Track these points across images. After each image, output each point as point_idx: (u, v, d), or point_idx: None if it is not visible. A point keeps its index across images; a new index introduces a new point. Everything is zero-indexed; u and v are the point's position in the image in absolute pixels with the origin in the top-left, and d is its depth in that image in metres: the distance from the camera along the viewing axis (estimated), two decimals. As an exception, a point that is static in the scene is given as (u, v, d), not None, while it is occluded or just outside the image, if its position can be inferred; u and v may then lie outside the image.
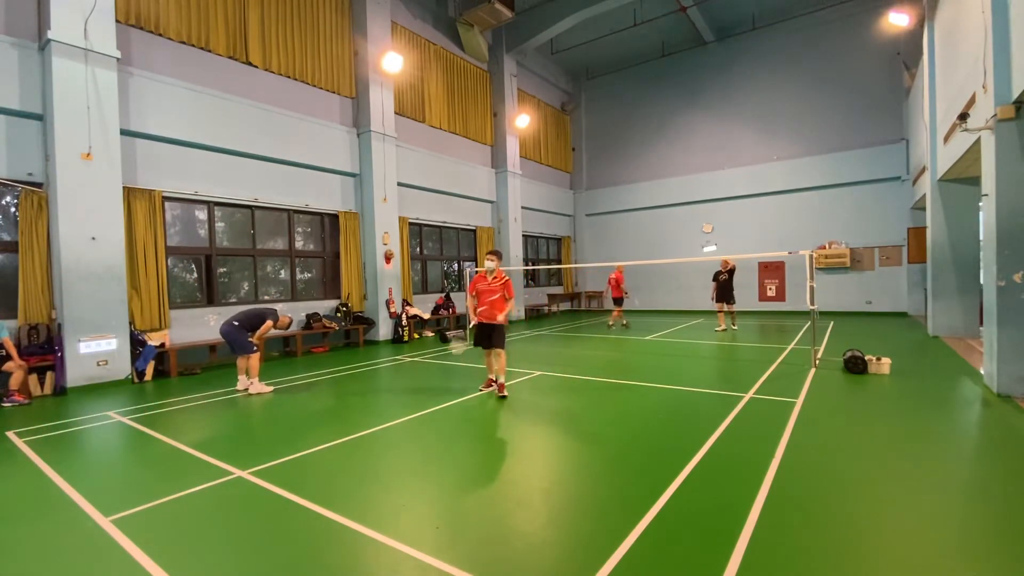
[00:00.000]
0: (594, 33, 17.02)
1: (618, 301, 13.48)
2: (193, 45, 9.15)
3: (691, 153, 18.34)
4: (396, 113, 12.91)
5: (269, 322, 7.00)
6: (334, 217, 11.79)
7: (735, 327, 12.47)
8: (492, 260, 6.25)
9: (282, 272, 11.18)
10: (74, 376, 7.18)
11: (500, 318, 6.18)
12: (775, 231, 16.64)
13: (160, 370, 8.36)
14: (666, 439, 4.50)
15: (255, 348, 6.86)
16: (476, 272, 6.01)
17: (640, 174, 19.50)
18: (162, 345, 8.29)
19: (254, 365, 6.83)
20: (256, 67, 10.12)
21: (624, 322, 13.95)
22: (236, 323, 6.86)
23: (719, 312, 12.43)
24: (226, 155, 9.69)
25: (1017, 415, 4.90)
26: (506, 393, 6.16)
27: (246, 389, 6.81)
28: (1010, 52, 5.52)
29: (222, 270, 10.05)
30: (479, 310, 6.27)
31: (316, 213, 11.51)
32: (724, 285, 12.11)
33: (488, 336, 6.25)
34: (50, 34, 7.01)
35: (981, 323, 7.45)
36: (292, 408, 5.98)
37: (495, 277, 6.24)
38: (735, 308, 12.42)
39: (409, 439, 4.67)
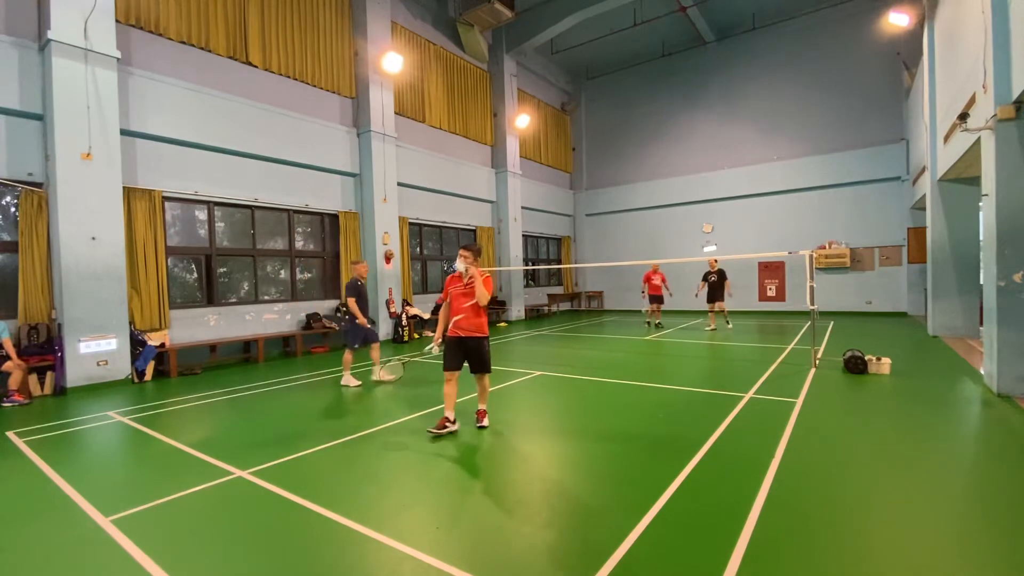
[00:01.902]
0: (594, 33, 17.01)
1: (654, 299, 13.48)
2: (193, 45, 9.15)
3: (691, 153, 18.34)
4: (396, 113, 12.92)
5: (351, 301, 6.98)
6: (334, 217, 11.79)
7: (729, 326, 12.47)
8: (464, 258, 4.75)
9: (282, 272, 11.17)
10: (74, 376, 7.18)
11: (479, 295, 4.66)
12: (775, 231, 16.64)
13: (160, 370, 8.36)
14: (666, 439, 4.49)
15: (359, 341, 7.06)
16: (452, 271, 5.03)
17: (640, 174, 19.50)
18: (162, 345, 8.29)
19: (373, 356, 7.28)
20: (256, 67, 10.12)
21: (657, 321, 14.02)
22: (348, 315, 7.12)
23: (710, 312, 12.58)
24: (226, 155, 9.69)
25: (1017, 415, 4.90)
26: (486, 423, 4.89)
27: (380, 379, 7.17)
28: (1010, 52, 5.52)
29: (222, 270, 10.04)
30: (454, 320, 4.78)
31: (316, 213, 11.51)
32: (713, 285, 12.26)
33: (464, 355, 4.75)
34: (50, 34, 7.01)
35: (981, 323, 7.45)
36: (292, 408, 5.98)
37: (472, 277, 4.78)
38: (725, 307, 12.43)
39: (409, 439, 4.67)
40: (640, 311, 14.52)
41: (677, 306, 18.21)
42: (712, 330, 12.16)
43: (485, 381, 4.91)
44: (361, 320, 6.97)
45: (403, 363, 5.26)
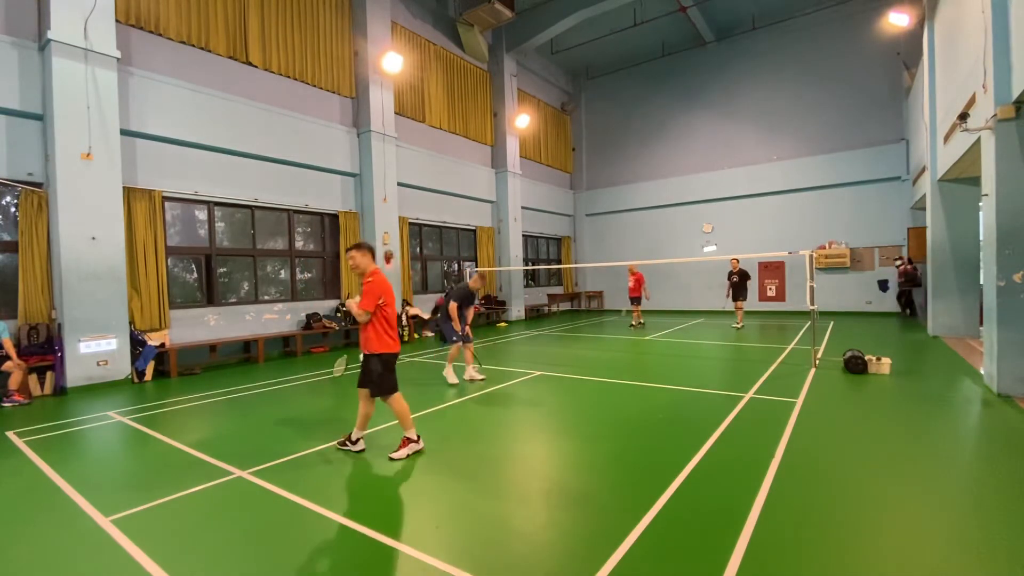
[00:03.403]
0: (594, 33, 17.01)
1: (635, 300, 13.70)
2: (193, 45, 9.15)
3: (691, 153, 18.34)
4: (396, 113, 12.91)
5: (453, 306, 6.96)
6: (334, 217, 11.79)
7: (737, 326, 12.56)
8: (355, 257, 4.15)
9: (282, 272, 11.18)
10: (74, 376, 7.18)
11: (354, 309, 4.02)
12: (775, 231, 16.64)
13: (160, 370, 8.36)
14: (666, 439, 4.49)
15: (454, 338, 7.02)
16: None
17: (640, 174, 19.50)
18: (162, 345, 8.28)
19: (451, 353, 7.06)
20: (256, 67, 10.12)
21: (639, 321, 14.08)
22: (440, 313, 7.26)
23: (737, 310, 12.88)
24: (226, 155, 9.69)
25: (1017, 415, 4.90)
26: (356, 447, 4.19)
27: (471, 378, 7.14)
28: (1010, 52, 5.52)
29: (222, 270, 10.04)
30: None
31: (316, 213, 11.51)
32: (735, 285, 12.54)
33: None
34: (50, 34, 7.01)
35: (981, 323, 7.45)
36: (293, 408, 5.98)
37: (366, 278, 4.12)
38: (742, 307, 12.76)
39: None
40: (641, 311, 14.60)
41: (678, 306, 18.26)
42: (739, 327, 12.48)
43: (362, 406, 4.21)
44: (457, 324, 7.05)
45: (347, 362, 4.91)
